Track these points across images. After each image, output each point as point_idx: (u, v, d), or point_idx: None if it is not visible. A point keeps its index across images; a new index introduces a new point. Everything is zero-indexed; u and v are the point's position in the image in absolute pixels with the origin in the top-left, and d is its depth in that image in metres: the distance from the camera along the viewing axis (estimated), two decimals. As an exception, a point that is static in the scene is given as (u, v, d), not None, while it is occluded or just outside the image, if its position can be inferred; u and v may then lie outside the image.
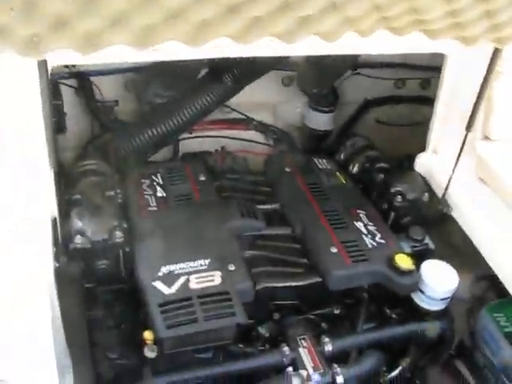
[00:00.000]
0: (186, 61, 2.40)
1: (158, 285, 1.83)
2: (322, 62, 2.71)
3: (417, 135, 2.47)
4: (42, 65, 1.43)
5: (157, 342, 1.78)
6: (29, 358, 1.56)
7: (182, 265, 1.90)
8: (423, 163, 2.40)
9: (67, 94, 2.80)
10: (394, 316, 2.17)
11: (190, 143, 3.06)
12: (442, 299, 2.09)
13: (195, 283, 1.85)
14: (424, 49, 1.86)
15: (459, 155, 2.13)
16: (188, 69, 2.51)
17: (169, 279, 1.85)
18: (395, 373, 2.17)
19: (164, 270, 1.88)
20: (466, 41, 1.27)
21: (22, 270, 1.68)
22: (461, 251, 2.42)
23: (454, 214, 2.28)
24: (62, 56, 1.46)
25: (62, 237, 1.94)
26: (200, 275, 1.87)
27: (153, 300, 1.80)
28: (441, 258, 2.17)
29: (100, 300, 2.07)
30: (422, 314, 2.12)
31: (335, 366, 1.86)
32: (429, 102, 2.39)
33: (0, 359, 1.53)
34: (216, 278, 1.88)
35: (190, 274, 1.87)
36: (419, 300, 2.10)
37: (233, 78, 2.65)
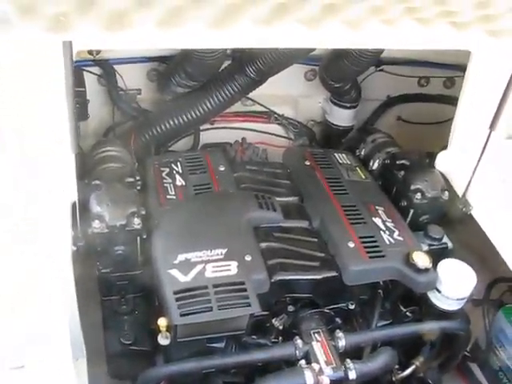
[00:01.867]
0: (209, 52, 2.43)
1: (174, 272, 1.83)
2: (346, 57, 2.70)
3: (439, 134, 2.44)
4: (67, 48, 1.44)
5: (170, 329, 1.79)
6: (44, 344, 1.57)
7: (198, 253, 1.89)
8: (444, 161, 2.37)
9: (90, 81, 2.82)
10: (408, 314, 2.15)
11: (210, 134, 3.07)
12: (458, 299, 2.07)
13: (211, 272, 1.84)
14: (450, 45, 1.83)
15: (482, 154, 2.10)
16: (211, 60, 2.50)
17: (185, 267, 1.85)
18: (408, 371, 2.17)
19: (180, 257, 1.87)
20: (494, 34, 1.25)
21: (38, 254, 1.69)
22: (479, 252, 2.40)
23: (474, 214, 2.25)
24: (87, 40, 1.48)
25: (81, 221, 1.95)
26: (216, 264, 1.87)
27: (168, 287, 1.80)
28: (459, 257, 2.14)
29: (115, 286, 2.08)
30: (437, 314, 2.10)
31: (348, 361, 1.85)
32: (452, 101, 2.36)
33: (17, 346, 1.54)
34: (232, 267, 1.87)
35: (206, 262, 1.87)
36: (435, 299, 2.08)
37: (256, 70, 2.64)
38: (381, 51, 2.68)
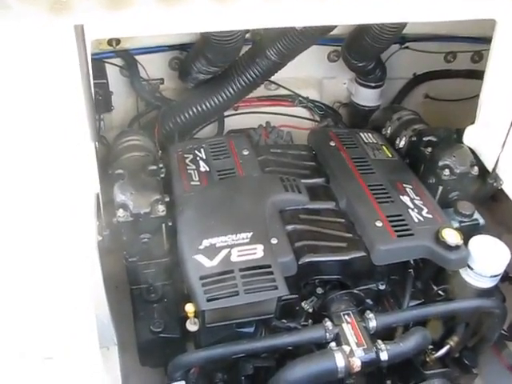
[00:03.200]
0: (227, 36, 2.40)
1: (200, 258, 1.82)
2: (367, 34, 2.65)
3: (468, 110, 2.38)
4: (80, 35, 1.43)
5: (198, 315, 1.78)
6: (72, 335, 1.58)
7: (223, 238, 1.88)
8: (472, 136, 2.31)
9: (112, 72, 2.83)
10: (441, 293, 2.11)
11: (235, 120, 3.06)
12: (491, 276, 2.02)
13: (237, 256, 1.83)
14: (473, 14, 1.78)
15: (510, 128, 2.04)
16: (230, 44, 2.47)
17: (210, 252, 1.84)
18: (442, 352, 2.12)
19: (206, 243, 1.87)
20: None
21: (65, 245, 1.69)
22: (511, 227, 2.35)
23: (505, 188, 2.20)
24: (97, 26, 1.47)
25: (105, 210, 1.95)
26: (242, 248, 1.85)
27: (194, 273, 1.79)
28: (492, 235, 2.09)
29: (143, 274, 2.08)
30: (470, 292, 2.05)
31: (379, 342, 1.83)
32: (481, 75, 2.29)
33: (45, 337, 1.55)
34: (258, 251, 1.85)
35: (231, 247, 1.85)
36: (468, 277, 2.03)
37: (277, 52, 2.61)
38: (402, 27, 2.61)
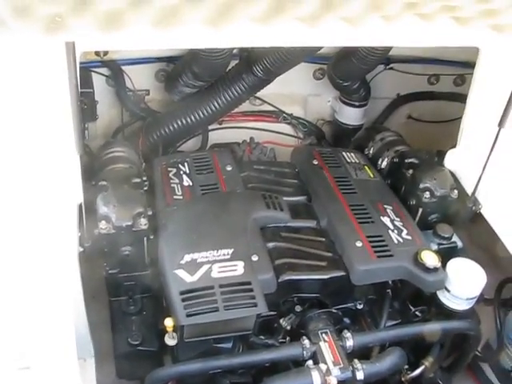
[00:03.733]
0: (215, 52, 2.42)
1: (180, 273, 1.83)
2: (353, 55, 2.68)
3: (450, 133, 2.42)
4: (70, 49, 1.43)
5: (177, 329, 1.79)
6: (50, 345, 1.58)
7: (205, 253, 1.89)
8: (453, 159, 2.35)
9: (99, 82, 2.83)
10: (418, 314, 2.13)
11: (219, 134, 3.07)
12: (467, 299, 2.05)
13: (217, 272, 1.84)
14: (456, 42, 1.81)
15: (491, 152, 2.08)
16: (218, 60, 2.49)
17: (191, 267, 1.84)
18: (417, 372, 2.14)
19: (187, 258, 1.87)
20: (497, 29, 1.23)
21: (45, 255, 1.69)
22: (490, 251, 2.38)
23: (484, 213, 2.23)
24: (84, 40, 1.48)
25: (87, 222, 1.95)
26: (223, 264, 1.86)
27: (174, 287, 1.80)
28: (469, 257, 2.12)
29: (123, 286, 2.08)
30: (446, 314, 2.08)
31: (356, 361, 1.84)
32: (463, 98, 2.34)
33: (24, 347, 1.54)
34: (239, 267, 1.86)
35: (212, 262, 1.86)
36: (445, 299, 2.06)
37: (263, 69, 2.64)
38: (389, 49, 2.66)
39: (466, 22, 1.25)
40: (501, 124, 2.00)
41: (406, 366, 2.12)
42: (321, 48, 2.62)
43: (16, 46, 1.29)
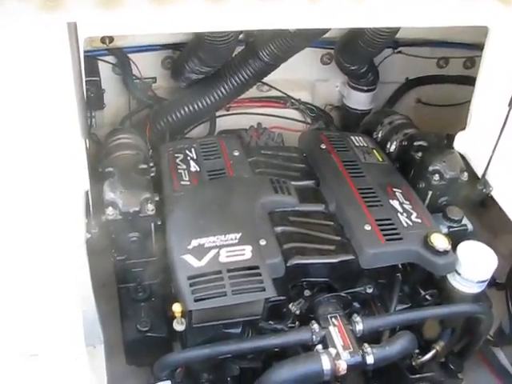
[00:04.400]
0: (221, 36, 2.41)
1: (188, 258, 1.82)
2: (360, 38, 2.66)
3: (459, 116, 2.39)
4: (72, 33, 1.42)
5: (185, 314, 1.78)
6: (58, 332, 1.58)
7: (212, 238, 1.88)
8: (463, 142, 2.32)
9: (105, 70, 2.83)
10: (428, 297, 2.12)
11: (226, 120, 3.06)
12: (478, 282, 2.03)
13: (225, 257, 1.83)
14: (466, 21, 1.78)
15: (501, 132, 2.05)
16: (223, 45, 2.48)
17: (199, 252, 1.84)
18: (428, 356, 2.13)
19: (194, 243, 1.87)
20: (505, 1, 1.20)
21: (53, 242, 1.69)
22: (501, 234, 2.36)
23: (495, 195, 2.21)
24: (89, 23, 1.47)
25: (94, 209, 1.95)
26: (230, 249, 1.85)
27: (182, 273, 1.79)
28: (481, 241, 2.10)
29: (130, 272, 2.08)
30: (457, 297, 2.06)
31: (366, 345, 1.83)
32: (472, 81, 2.31)
33: (31, 334, 1.55)
34: (246, 252, 1.85)
35: (220, 247, 1.85)
36: (455, 282, 2.05)
37: (269, 54, 2.62)
38: (395, 31, 2.62)
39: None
40: (511, 104, 1.98)
41: (417, 351, 2.11)
42: (325, 31, 2.60)
43: (18, 28, 1.28)
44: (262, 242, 1.92)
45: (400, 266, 2.11)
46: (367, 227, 2.03)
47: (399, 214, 2.10)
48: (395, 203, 2.15)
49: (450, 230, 2.17)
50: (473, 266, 2.00)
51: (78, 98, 1.66)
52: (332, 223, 2.12)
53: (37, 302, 1.59)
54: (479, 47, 2.23)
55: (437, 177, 2.23)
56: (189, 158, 2.29)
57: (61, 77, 1.58)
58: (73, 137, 1.74)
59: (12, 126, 1.62)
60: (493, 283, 2.18)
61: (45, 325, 1.57)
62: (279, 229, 2.04)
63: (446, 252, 1.97)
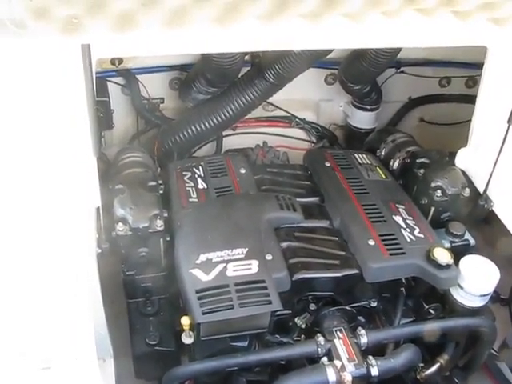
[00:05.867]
0: (227, 57, 2.47)
1: (196, 272, 1.86)
2: (363, 58, 2.72)
3: (461, 134, 2.44)
4: (86, 53, 1.49)
5: (193, 327, 1.82)
6: (70, 345, 1.60)
7: (219, 253, 1.92)
8: (464, 159, 2.37)
9: (114, 91, 2.90)
10: (431, 311, 2.15)
11: (233, 140, 3.11)
12: (481, 295, 2.06)
13: (232, 271, 1.87)
14: (461, 40, 1.83)
15: (501, 149, 2.10)
16: (230, 65, 2.54)
17: (206, 267, 1.87)
18: (432, 369, 2.16)
19: (202, 257, 1.90)
20: (499, 23, 1.26)
21: (65, 256, 1.73)
22: (503, 249, 2.38)
23: (496, 210, 2.24)
24: (103, 46, 1.54)
25: (105, 224, 2.00)
26: (237, 263, 1.89)
27: (190, 286, 1.82)
28: (482, 255, 2.13)
29: (140, 287, 2.12)
30: (460, 311, 2.09)
31: (370, 357, 1.86)
32: (474, 100, 2.36)
33: (43, 346, 1.57)
34: (253, 266, 1.89)
35: (227, 262, 1.89)
36: (458, 296, 2.07)
37: (274, 74, 2.68)
38: (397, 51, 2.69)
39: (466, 16, 1.28)
40: (510, 121, 2.02)
41: (422, 364, 2.14)
42: (329, 52, 2.66)
43: (35, 48, 1.34)
44: (269, 257, 1.96)
45: (403, 281, 2.14)
46: (371, 242, 2.07)
47: (402, 230, 2.14)
48: (398, 219, 2.19)
49: (453, 244, 2.21)
50: (475, 279, 2.03)
51: (91, 115, 1.72)
52: (336, 239, 2.16)
53: (49, 316, 1.62)
54: (480, 66, 2.28)
55: (439, 193, 2.28)
56: (196, 175, 2.34)
57: (75, 96, 1.64)
58: (85, 154, 1.79)
59: (27, 142, 1.67)
60: (497, 299, 2.21)
61: (57, 338, 1.60)
62: (285, 244, 2.08)
63: (448, 266, 2.00)
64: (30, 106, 1.63)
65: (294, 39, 1.44)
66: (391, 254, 2.04)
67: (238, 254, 1.93)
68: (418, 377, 2.16)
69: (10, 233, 1.67)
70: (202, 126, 2.80)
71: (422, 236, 2.12)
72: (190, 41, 1.30)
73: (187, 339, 1.86)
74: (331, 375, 1.78)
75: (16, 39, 1.02)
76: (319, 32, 1.22)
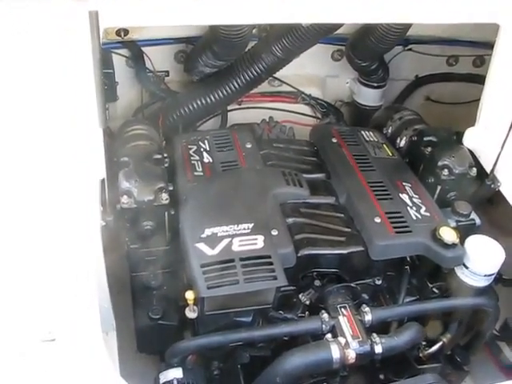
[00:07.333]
0: (235, 30, 2.44)
1: (201, 246, 1.85)
2: (372, 34, 2.69)
3: (468, 114, 2.42)
4: (94, 22, 1.46)
5: (197, 302, 1.81)
6: (74, 318, 1.60)
7: (225, 228, 1.91)
8: (472, 138, 2.35)
9: (119, 63, 2.86)
10: (435, 290, 2.14)
11: (238, 114, 3.09)
12: (486, 275, 2.05)
13: (238, 246, 1.86)
14: (477, 18, 1.81)
15: (510, 129, 2.07)
16: (238, 39, 2.51)
17: (212, 241, 1.86)
18: (435, 348, 2.15)
19: (207, 232, 1.89)
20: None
21: (68, 229, 1.72)
22: (509, 230, 2.38)
23: (503, 190, 2.23)
24: (111, 16, 1.51)
25: (110, 197, 1.98)
26: (243, 238, 1.88)
27: (195, 261, 1.82)
28: (487, 234, 2.12)
29: (143, 261, 2.11)
30: (464, 290, 2.08)
31: (374, 335, 1.86)
32: (482, 80, 2.33)
33: (48, 319, 1.57)
34: (258, 241, 1.88)
35: (232, 236, 1.88)
36: (463, 275, 2.07)
37: (282, 48, 2.64)
38: (407, 28, 2.65)
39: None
40: (520, 100, 2.00)
41: (424, 343, 2.14)
42: (339, 27, 2.62)
43: (43, 14, 1.31)
44: (274, 232, 1.95)
45: (408, 259, 2.14)
46: (377, 219, 2.06)
47: (408, 208, 2.13)
48: (405, 197, 2.17)
49: (459, 224, 2.19)
50: (480, 259, 2.03)
51: (97, 86, 1.69)
52: (342, 215, 2.15)
53: (54, 288, 1.61)
54: (489, 46, 2.25)
55: (446, 172, 2.26)
56: (202, 149, 2.32)
57: (82, 66, 1.62)
58: (91, 125, 1.77)
59: (32, 113, 1.65)
60: (499, 279, 2.20)
61: (62, 310, 1.60)
62: (290, 220, 2.07)
63: (454, 245, 1.99)
64: (36, 74, 1.61)
65: (303, 12, 1.41)
66: (397, 232, 2.03)
67: (244, 228, 1.92)
68: (421, 355, 2.16)
69: (13, 204, 1.65)
70: (208, 100, 2.77)
71: (428, 214, 2.11)
72: (200, 11, 1.27)
73: (191, 314, 1.86)
74: (335, 352, 1.77)
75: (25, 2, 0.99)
76: (329, 5, 1.19)
